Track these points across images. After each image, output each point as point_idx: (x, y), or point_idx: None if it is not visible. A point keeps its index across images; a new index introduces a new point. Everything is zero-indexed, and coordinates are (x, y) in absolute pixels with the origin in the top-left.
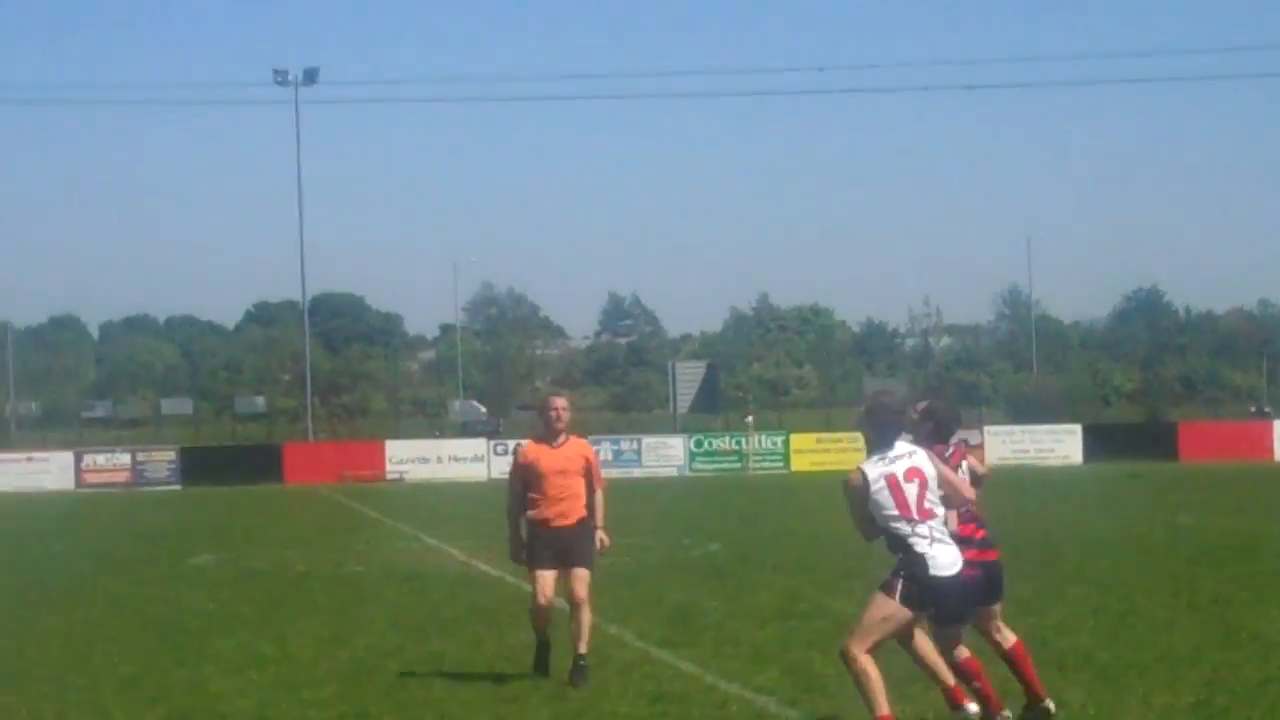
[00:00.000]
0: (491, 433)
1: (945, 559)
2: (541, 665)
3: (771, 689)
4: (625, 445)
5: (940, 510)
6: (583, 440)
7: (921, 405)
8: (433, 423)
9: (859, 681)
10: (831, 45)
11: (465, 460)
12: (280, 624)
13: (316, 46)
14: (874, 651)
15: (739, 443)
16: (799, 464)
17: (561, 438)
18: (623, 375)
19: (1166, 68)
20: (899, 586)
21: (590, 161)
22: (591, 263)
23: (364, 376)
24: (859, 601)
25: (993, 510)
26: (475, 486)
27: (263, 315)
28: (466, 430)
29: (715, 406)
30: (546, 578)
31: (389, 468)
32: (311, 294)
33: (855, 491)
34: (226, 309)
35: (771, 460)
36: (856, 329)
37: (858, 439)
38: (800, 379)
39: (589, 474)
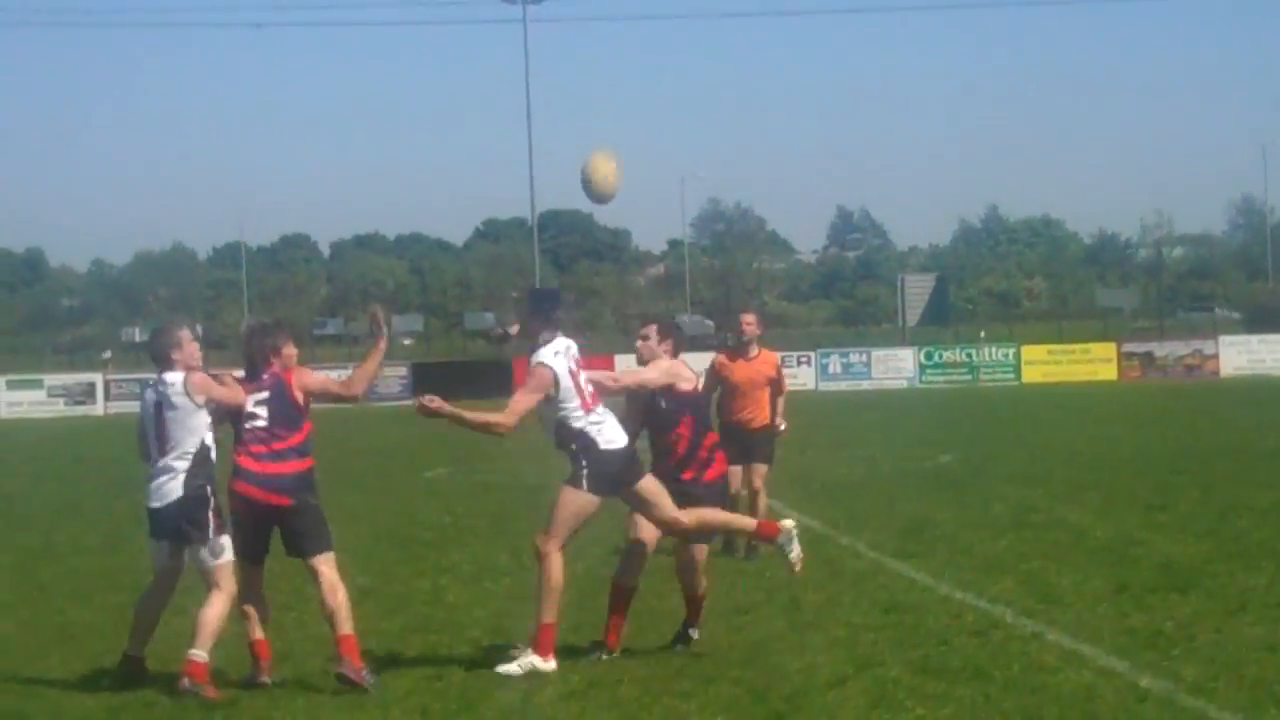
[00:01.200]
0: (719, 346)
1: (614, 434)
2: (727, 549)
3: (1007, 600)
4: (855, 358)
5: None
6: (771, 353)
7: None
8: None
9: (543, 581)
10: None
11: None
12: (514, 536)
13: None
14: (565, 549)
15: (970, 355)
16: (1030, 375)
17: (752, 349)
18: (851, 289)
19: None
20: (585, 476)
21: (817, 74)
22: (819, 176)
23: (592, 292)
24: (1094, 511)
25: (1226, 421)
26: None
27: (491, 232)
28: (694, 344)
29: (945, 319)
30: (733, 472)
31: None
32: (540, 211)
33: (545, 380)
34: (455, 226)
35: (1002, 372)
36: (1088, 240)
37: (1089, 350)
38: (1030, 290)
39: (775, 382)
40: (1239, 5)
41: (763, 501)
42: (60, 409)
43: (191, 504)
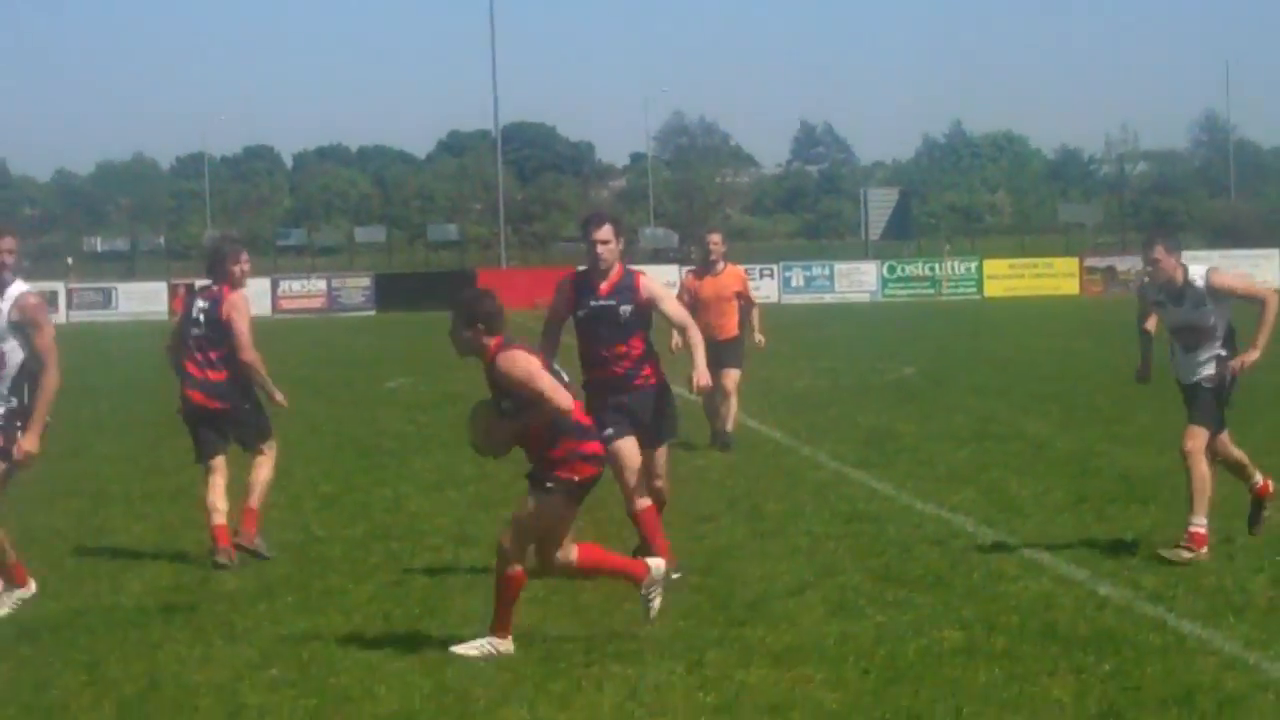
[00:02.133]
0: (682, 259)
1: None
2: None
3: (968, 509)
4: (818, 271)
5: None
6: (738, 268)
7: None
8: (624, 250)
9: None
10: None
11: None
12: None
13: None
14: None
15: (932, 268)
16: (992, 290)
17: (719, 265)
18: (814, 203)
19: None
20: None
21: None
22: (783, 91)
23: (555, 204)
24: (1055, 423)
25: None
26: None
27: (455, 144)
28: (657, 257)
29: (907, 233)
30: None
31: None
32: (504, 123)
33: None
34: (419, 138)
35: (965, 286)
36: (1051, 155)
37: (1052, 264)
38: (993, 206)
39: (742, 295)
40: None
41: (733, 403)
42: None
43: None
